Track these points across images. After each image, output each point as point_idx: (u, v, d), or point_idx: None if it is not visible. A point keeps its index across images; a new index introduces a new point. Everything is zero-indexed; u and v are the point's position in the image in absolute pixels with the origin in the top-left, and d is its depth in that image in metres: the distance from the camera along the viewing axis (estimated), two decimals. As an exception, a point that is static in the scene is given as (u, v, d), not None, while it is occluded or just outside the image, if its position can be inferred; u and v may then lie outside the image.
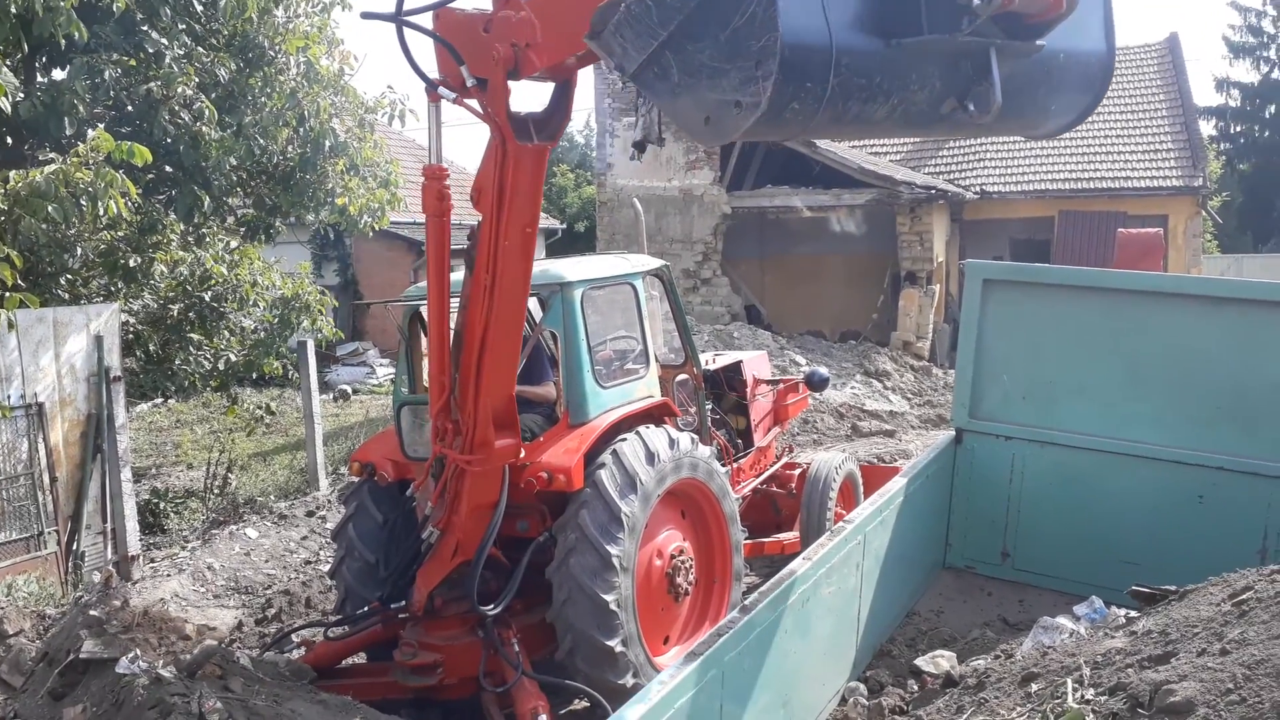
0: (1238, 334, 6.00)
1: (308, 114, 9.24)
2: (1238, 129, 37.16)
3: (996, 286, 6.75)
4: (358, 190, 10.06)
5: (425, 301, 6.03)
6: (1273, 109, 36.28)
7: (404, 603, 5.22)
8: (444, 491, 4.85)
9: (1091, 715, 3.08)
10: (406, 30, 4.19)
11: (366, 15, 4.25)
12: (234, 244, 10.32)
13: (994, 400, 6.72)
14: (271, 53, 9.15)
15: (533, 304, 5.37)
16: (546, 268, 5.49)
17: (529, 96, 4.30)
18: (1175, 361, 6.15)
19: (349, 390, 18.41)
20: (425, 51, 4.31)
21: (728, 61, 2.86)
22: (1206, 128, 34.17)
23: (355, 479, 5.88)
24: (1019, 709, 3.47)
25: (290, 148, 9.56)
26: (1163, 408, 6.18)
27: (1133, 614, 4.53)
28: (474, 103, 4.24)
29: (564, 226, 28.28)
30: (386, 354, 21.00)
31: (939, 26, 2.95)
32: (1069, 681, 3.37)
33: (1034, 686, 3.60)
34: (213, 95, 8.59)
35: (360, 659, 5.82)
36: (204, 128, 8.31)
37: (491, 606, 4.87)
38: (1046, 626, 4.85)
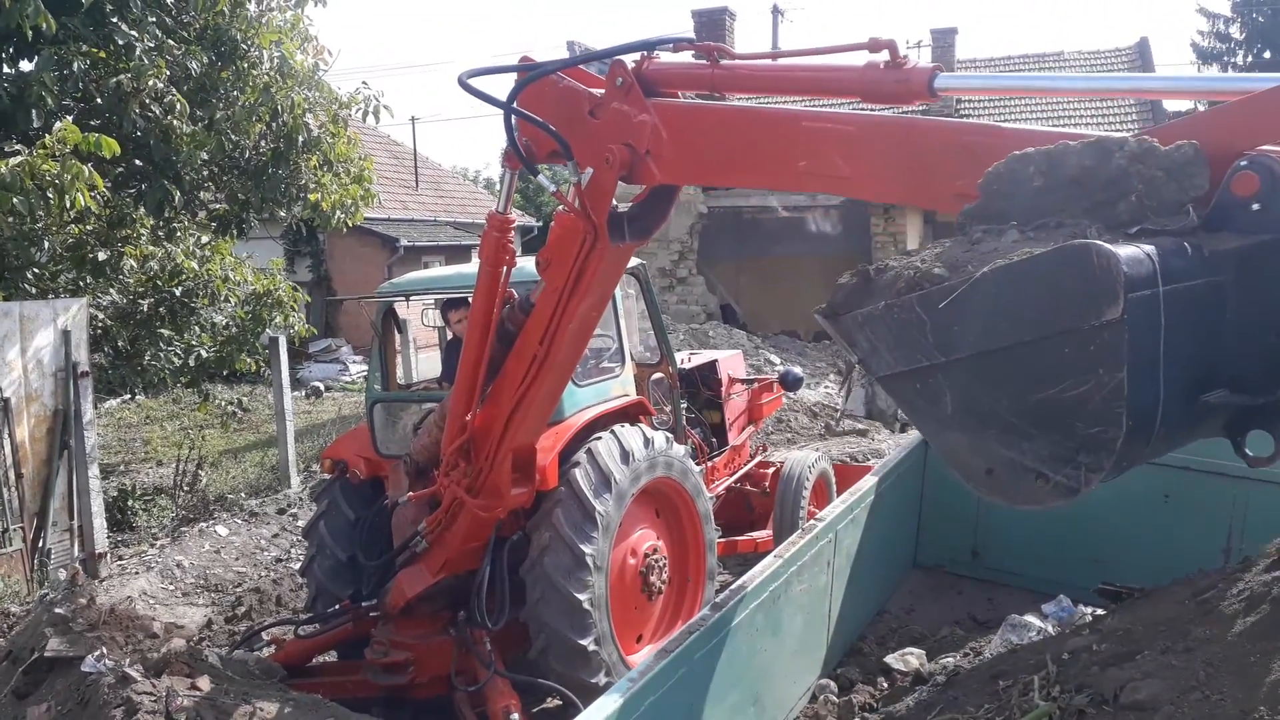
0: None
1: (281, 109, 9.17)
2: (1206, 134, 37.63)
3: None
4: (331, 186, 10.01)
5: (399, 298, 6.04)
6: (1240, 115, 36.80)
7: (375, 601, 5.20)
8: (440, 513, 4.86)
9: (1058, 712, 3.12)
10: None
11: (482, 96, 3.68)
12: (205, 239, 10.23)
13: (965, 400, 6.76)
14: (244, 46, 9.07)
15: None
16: (522, 265, 5.49)
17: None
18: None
19: (321, 387, 18.29)
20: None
21: (1036, 427, 2.30)
22: (1176, 132, 34.60)
23: (327, 476, 5.85)
24: (987, 706, 3.51)
25: (263, 142, 9.49)
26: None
27: (1099, 612, 4.60)
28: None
29: (540, 225, 28.24)
30: (359, 351, 20.88)
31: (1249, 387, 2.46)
32: (1036, 679, 3.41)
33: (1002, 684, 3.64)
34: (184, 88, 8.50)
35: (331, 657, 5.78)
36: (175, 121, 8.23)
37: (492, 619, 4.85)
38: (1015, 624, 4.90)
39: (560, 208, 4.10)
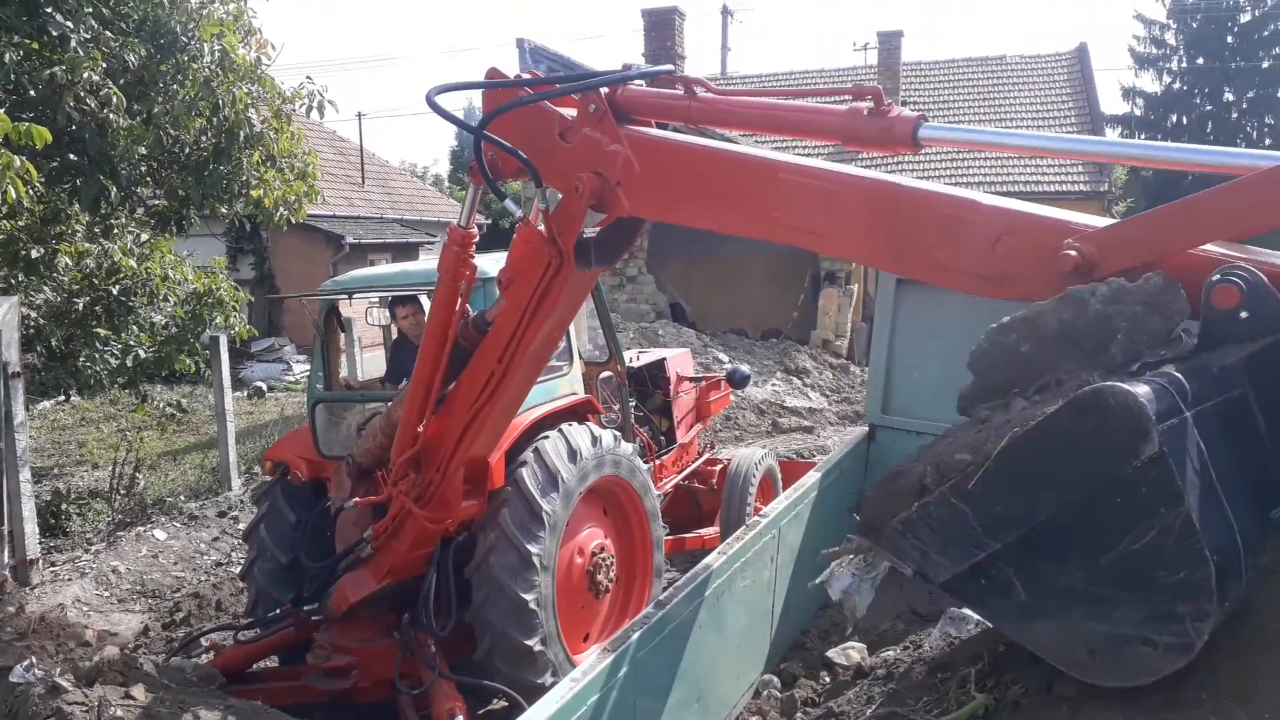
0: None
1: (222, 103, 8.99)
2: (1142, 137, 38.65)
3: (909, 286, 6.91)
4: (274, 182, 9.83)
5: (342, 296, 5.97)
6: (1174, 118, 37.87)
7: (317, 605, 5.13)
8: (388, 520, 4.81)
9: (994, 703, 3.18)
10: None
11: (452, 119, 3.76)
12: (144, 236, 9.99)
13: (906, 397, 6.87)
14: (184, 39, 8.87)
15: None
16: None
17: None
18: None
19: (263, 387, 17.98)
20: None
21: (1120, 590, 2.12)
22: (1113, 135, 35.48)
23: (268, 478, 5.76)
24: (925, 699, 3.56)
25: (204, 137, 9.30)
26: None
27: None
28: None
29: (489, 222, 28.02)
30: (302, 350, 20.56)
31: None
32: (973, 671, 3.47)
33: (940, 676, 3.70)
34: (121, 81, 8.29)
35: (272, 662, 5.70)
36: (111, 115, 8.02)
37: (439, 625, 4.80)
38: (954, 618, 4.97)
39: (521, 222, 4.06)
